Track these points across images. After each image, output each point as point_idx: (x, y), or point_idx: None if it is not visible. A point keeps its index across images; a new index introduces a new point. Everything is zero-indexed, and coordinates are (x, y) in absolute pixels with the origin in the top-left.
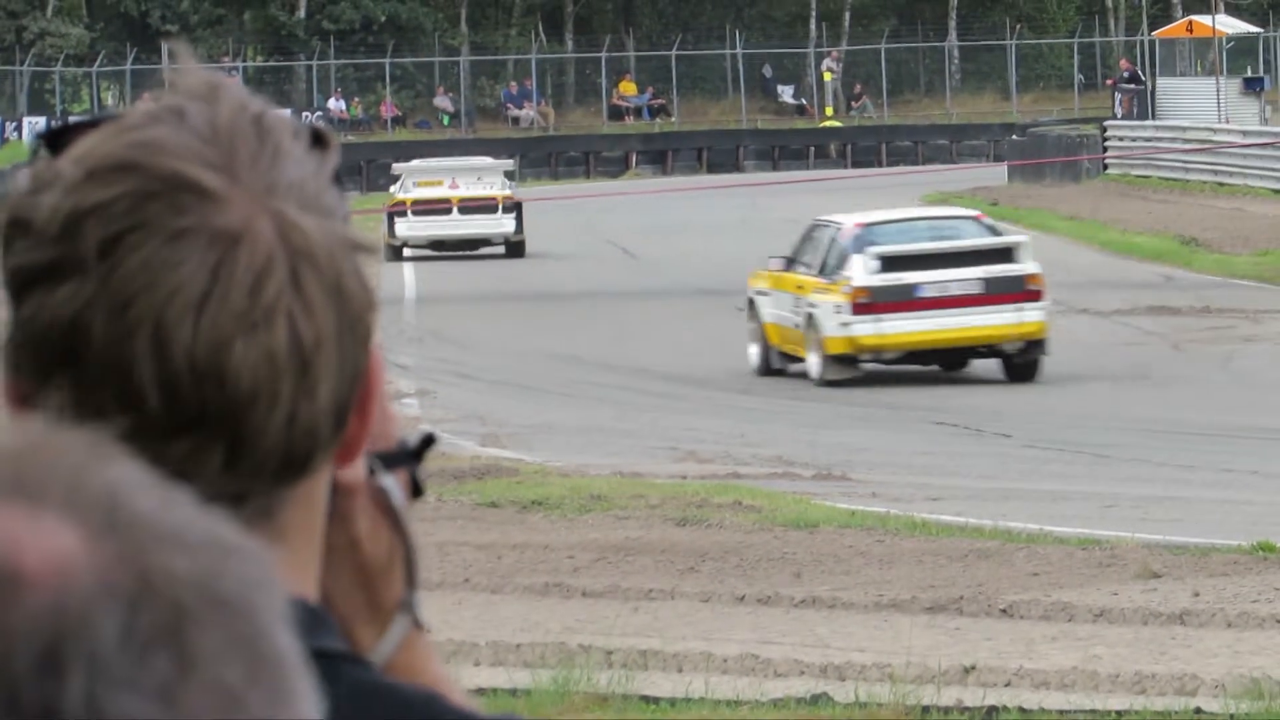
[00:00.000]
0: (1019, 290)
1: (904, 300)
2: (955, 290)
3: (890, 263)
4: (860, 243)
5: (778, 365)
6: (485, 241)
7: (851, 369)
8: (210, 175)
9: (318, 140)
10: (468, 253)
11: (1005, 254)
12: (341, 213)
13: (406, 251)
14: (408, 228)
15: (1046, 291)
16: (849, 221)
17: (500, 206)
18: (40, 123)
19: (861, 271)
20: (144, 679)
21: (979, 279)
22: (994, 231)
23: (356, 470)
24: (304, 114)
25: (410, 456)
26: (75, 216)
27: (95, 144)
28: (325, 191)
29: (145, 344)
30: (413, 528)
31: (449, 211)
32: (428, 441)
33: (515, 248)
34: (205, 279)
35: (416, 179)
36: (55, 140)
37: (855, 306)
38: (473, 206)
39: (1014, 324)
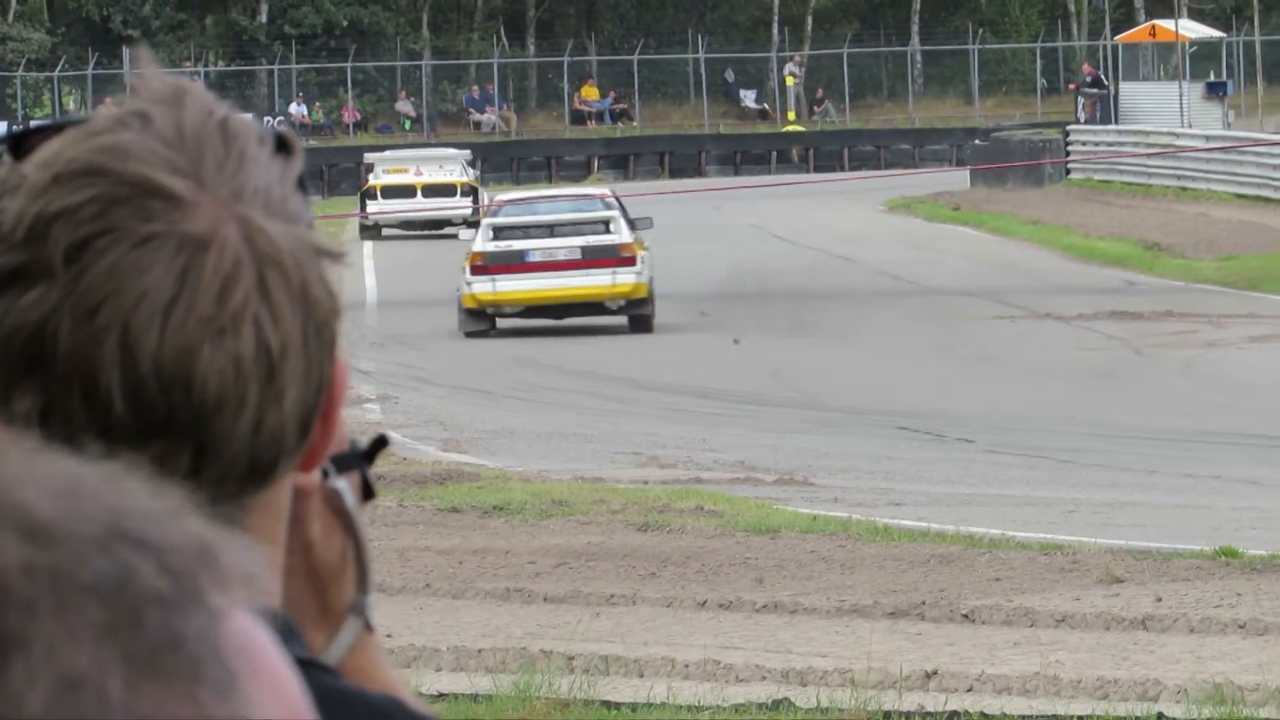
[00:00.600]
0: (613, 257)
1: (515, 264)
2: (560, 256)
3: (502, 232)
4: (490, 215)
5: (466, 326)
6: (447, 222)
7: (484, 322)
8: (177, 180)
9: (282, 146)
10: (432, 232)
11: (604, 226)
12: (306, 218)
13: (385, 231)
14: (378, 208)
15: (640, 258)
16: (494, 198)
17: (459, 190)
18: (1, 127)
19: (480, 240)
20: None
21: (579, 247)
22: (609, 208)
23: (310, 473)
24: (266, 119)
25: (362, 458)
26: (42, 221)
27: (61, 148)
28: (290, 197)
29: (112, 349)
30: (364, 530)
31: (414, 195)
32: (379, 444)
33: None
34: (172, 284)
35: (386, 166)
36: (18, 145)
37: (473, 269)
38: (434, 190)
39: (609, 285)
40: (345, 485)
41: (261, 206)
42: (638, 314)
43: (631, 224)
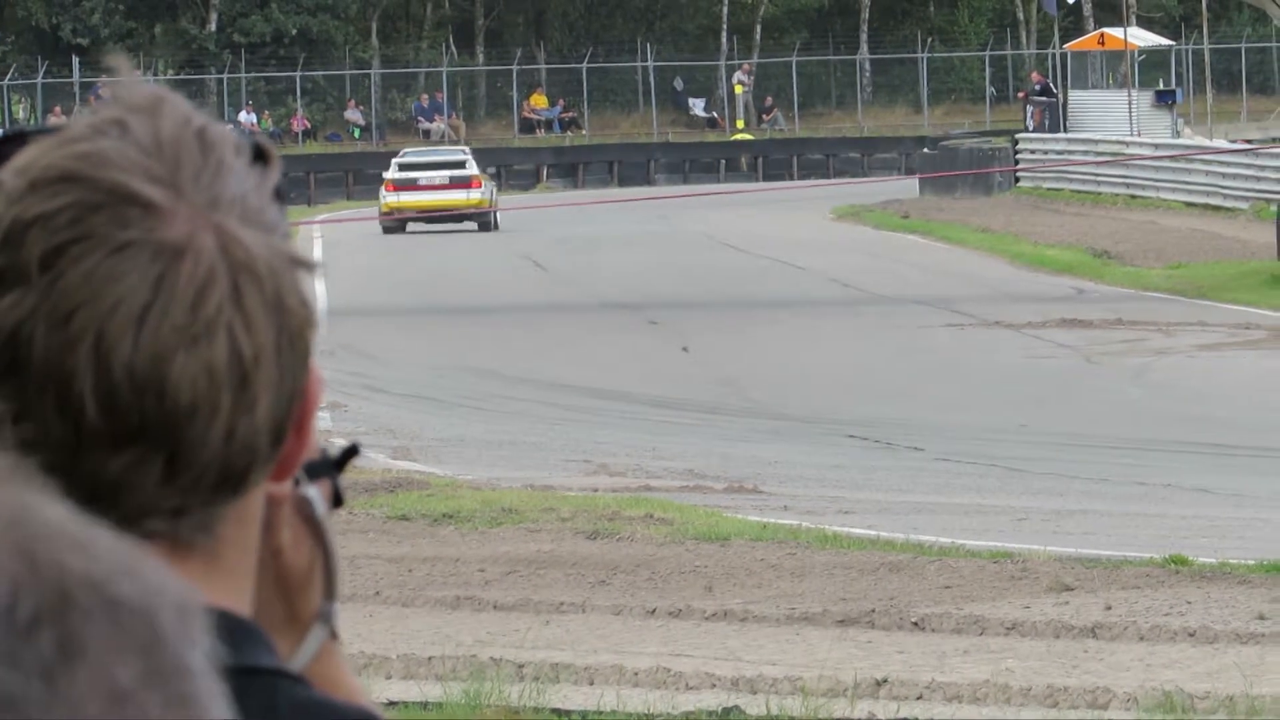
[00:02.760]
0: (466, 182)
1: (410, 185)
2: (436, 181)
3: (404, 168)
4: (399, 159)
5: (385, 225)
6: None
7: (396, 223)
8: (154, 188)
9: (259, 155)
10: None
11: (463, 165)
12: (283, 228)
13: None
14: (395, 199)
15: (484, 184)
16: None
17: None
18: None
19: (392, 171)
20: (25, 655)
21: (446, 176)
22: (466, 155)
23: (283, 482)
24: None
25: (332, 467)
26: (18, 227)
27: (38, 155)
28: (267, 206)
29: (86, 356)
30: (333, 538)
31: (424, 187)
32: (350, 452)
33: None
34: (147, 292)
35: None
36: None
37: (387, 186)
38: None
39: (464, 199)
40: (316, 493)
41: (238, 215)
42: (483, 219)
43: (478, 166)
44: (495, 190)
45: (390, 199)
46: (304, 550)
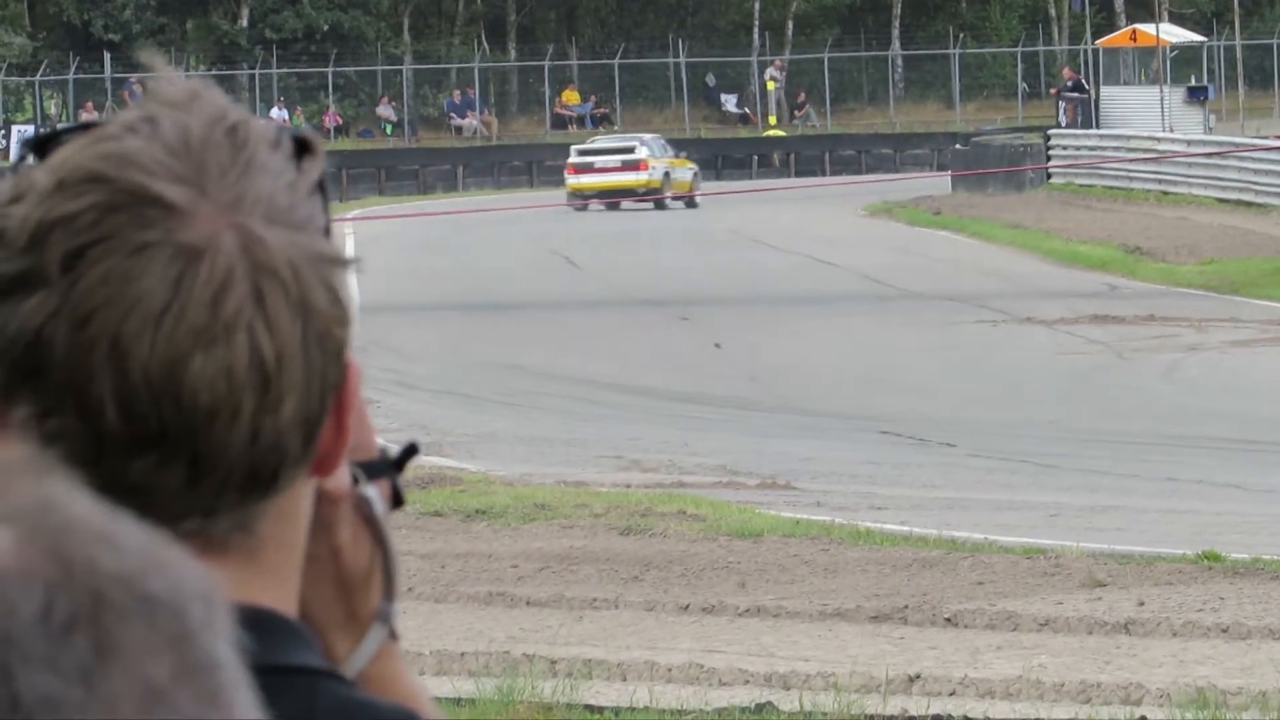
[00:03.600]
0: (635, 165)
1: (588, 169)
2: (609, 164)
3: (582, 153)
4: (577, 150)
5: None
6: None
7: (578, 200)
8: (175, 189)
9: (303, 148)
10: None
11: (632, 150)
12: (319, 224)
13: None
14: (575, 180)
15: (652, 166)
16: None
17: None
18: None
19: (573, 157)
20: (62, 659)
21: (618, 160)
22: (639, 143)
23: (340, 479)
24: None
25: (392, 466)
26: (43, 228)
27: (69, 154)
28: (299, 203)
29: (103, 358)
30: (392, 538)
31: (598, 170)
32: (410, 451)
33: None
34: (165, 293)
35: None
36: (43, 148)
37: (569, 170)
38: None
39: (634, 179)
40: (375, 493)
41: (263, 215)
42: (657, 197)
43: (649, 149)
44: (697, 174)
45: (571, 181)
46: (363, 550)
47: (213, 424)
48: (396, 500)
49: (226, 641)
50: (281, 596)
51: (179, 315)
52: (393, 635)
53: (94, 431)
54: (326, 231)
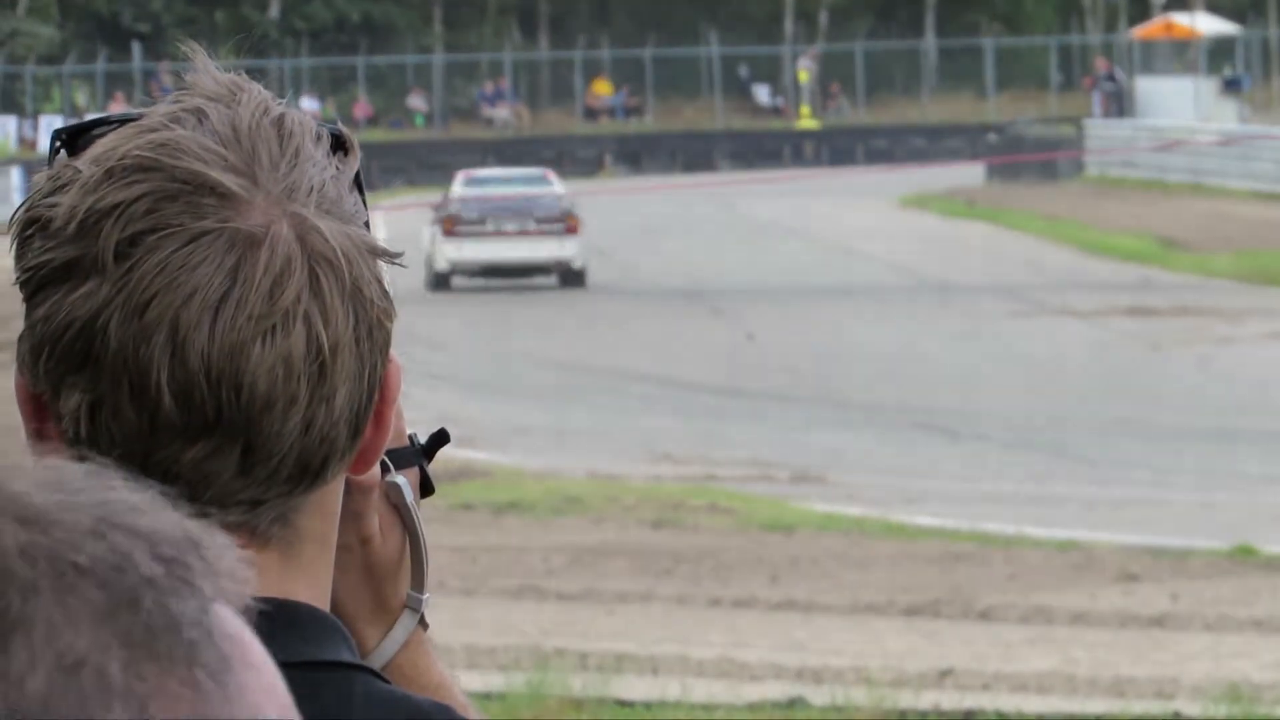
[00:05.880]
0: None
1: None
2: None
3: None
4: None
5: None
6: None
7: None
8: (230, 178)
9: (339, 144)
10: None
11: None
12: (362, 217)
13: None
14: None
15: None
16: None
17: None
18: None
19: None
20: None
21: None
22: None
23: (363, 474)
24: None
25: (422, 454)
26: (94, 216)
27: (114, 144)
28: (345, 196)
29: (161, 346)
30: (422, 527)
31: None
32: (439, 438)
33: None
34: (223, 281)
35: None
36: (73, 139)
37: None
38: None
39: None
40: (405, 481)
41: (315, 205)
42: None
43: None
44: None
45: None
46: (393, 539)
47: (269, 413)
48: (426, 488)
49: (200, 602)
50: (317, 592)
51: (239, 303)
52: (423, 625)
53: (148, 419)
54: (366, 226)
